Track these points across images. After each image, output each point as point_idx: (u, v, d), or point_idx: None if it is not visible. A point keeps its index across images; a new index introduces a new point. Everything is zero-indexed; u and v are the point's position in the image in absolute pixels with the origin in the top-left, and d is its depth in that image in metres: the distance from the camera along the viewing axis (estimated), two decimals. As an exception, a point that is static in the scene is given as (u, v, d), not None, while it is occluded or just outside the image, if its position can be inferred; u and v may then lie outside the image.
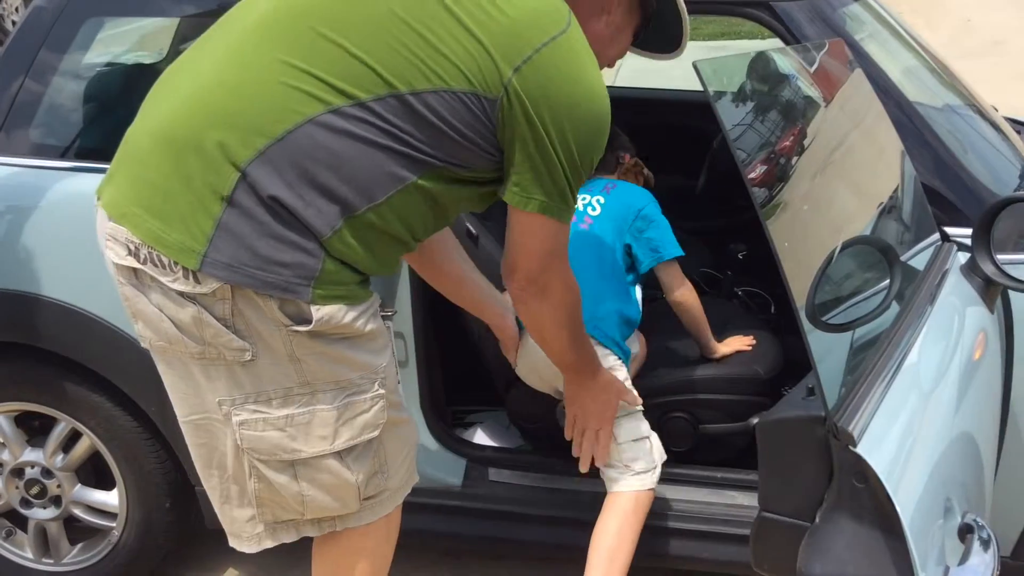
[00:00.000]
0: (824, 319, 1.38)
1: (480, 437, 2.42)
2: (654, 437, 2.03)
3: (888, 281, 1.57)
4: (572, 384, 1.90)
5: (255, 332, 1.41)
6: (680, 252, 2.22)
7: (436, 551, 2.50)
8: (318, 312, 1.40)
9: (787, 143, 1.52)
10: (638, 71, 3.36)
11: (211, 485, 1.59)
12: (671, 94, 3.35)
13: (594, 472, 2.04)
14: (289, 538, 1.61)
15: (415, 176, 1.42)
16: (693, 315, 2.24)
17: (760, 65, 1.57)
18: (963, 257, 1.80)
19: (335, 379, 1.46)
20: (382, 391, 1.52)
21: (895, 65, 2.16)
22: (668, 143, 2.90)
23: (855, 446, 1.10)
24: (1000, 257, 1.69)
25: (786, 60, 1.71)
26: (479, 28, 1.38)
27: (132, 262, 1.43)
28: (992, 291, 1.69)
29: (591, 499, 2.14)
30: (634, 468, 1.98)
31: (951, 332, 1.58)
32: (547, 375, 2.06)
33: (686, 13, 1.63)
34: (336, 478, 1.51)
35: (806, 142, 1.59)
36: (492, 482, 2.23)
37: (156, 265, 1.40)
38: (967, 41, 7.02)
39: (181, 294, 1.40)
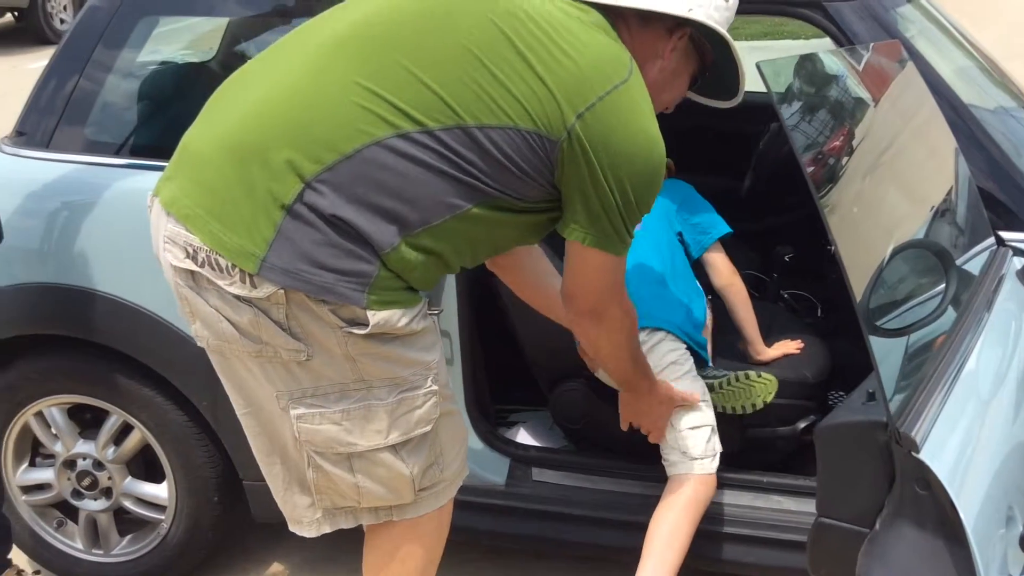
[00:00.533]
0: (878, 323, 1.37)
1: (523, 436, 2.43)
2: (714, 428, 2.04)
3: (943, 286, 1.55)
4: (628, 395, 1.98)
5: (310, 334, 1.45)
6: (728, 229, 2.23)
7: (478, 549, 2.50)
8: (374, 317, 1.44)
9: (839, 143, 1.51)
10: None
11: (273, 473, 1.62)
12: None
13: (640, 473, 2.04)
14: (347, 524, 1.64)
15: (471, 204, 1.47)
16: (741, 302, 2.24)
17: (819, 65, 1.56)
18: (1019, 262, 1.78)
19: (390, 376, 1.49)
20: (435, 387, 1.55)
21: (948, 65, 2.13)
22: (713, 145, 2.88)
23: (918, 452, 1.09)
24: None
25: (840, 60, 1.70)
26: (547, 72, 1.43)
27: (190, 264, 1.46)
28: None
29: (635, 501, 2.14)
30: (692, 454, 2.00)
31: (1008, 339, 1.56)
32: None
33: (743, 65, 1.65)
34: (390, 471, 1.54)
35: (860, 142, 1.57)
36: (536, 482, 2.23)
37: (214, 268, 1.44)
38: (1018, 40, 6.90)
39: (237, 297, 1.44)
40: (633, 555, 2.16)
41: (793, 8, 1.99)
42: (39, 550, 2.43)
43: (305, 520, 1.63)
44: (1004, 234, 1.88)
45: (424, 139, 1.43)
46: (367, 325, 1.44)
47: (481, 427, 2.22)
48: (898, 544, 1.11)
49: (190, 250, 1.45)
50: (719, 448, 2.04)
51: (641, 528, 2.11)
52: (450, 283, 2.13)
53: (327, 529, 1.64)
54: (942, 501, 1.05)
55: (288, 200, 1.41)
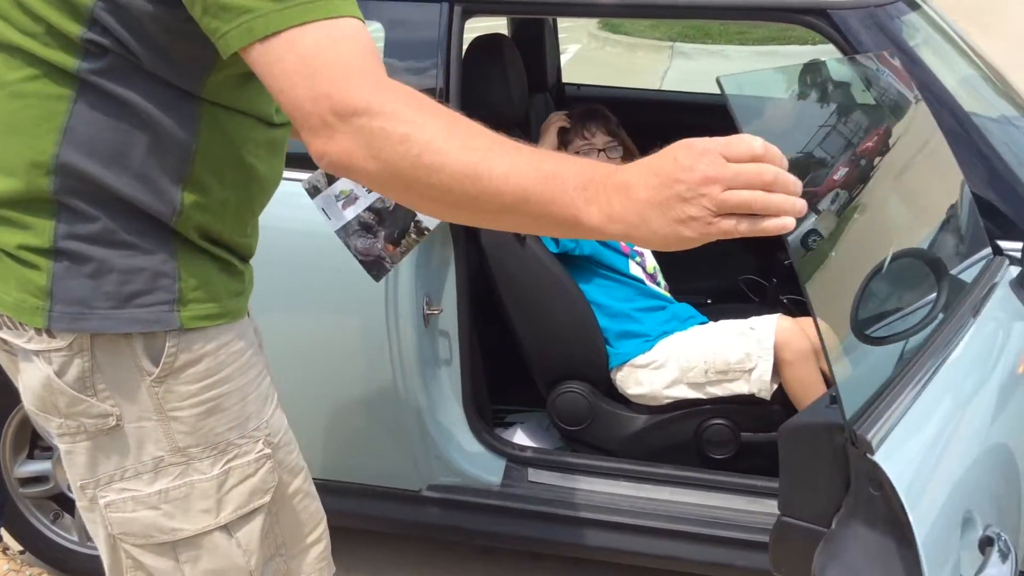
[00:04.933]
0: (868, 332, 1.36)
1: (520, 437, 2.43)
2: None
3: (935, 294, 1.56)
4: (588, 228, 1.01)
5: (117, 390, 1.22)
6: None
7: (472, 549, 2.51)
8: (190, 340, 1.23)
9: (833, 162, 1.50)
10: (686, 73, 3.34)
11: None
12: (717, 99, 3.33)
13: (636, 475, 2.04)
14: None
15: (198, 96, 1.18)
16: None
17: (789, 79, 1.55)
18: (1015, 271, 1.78)
19: (212, 442, 1.26)
20: (267, 451, 1.31)
21: (951, 74, 2.14)
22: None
23: (872, 454, 1.10)
24: None
25: (814, 73, 1.69)
26: None
27: None
28: None
29: (631, 503, 2.15)
30: None
31: (993, 345, 1.56)
32: None
33: None
34: (226, 559, 1.29)
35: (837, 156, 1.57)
36: (531, 482, 2.23)
37: (9, 327, 1.23)
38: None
39: (38, 354, 1.21)
40: (628, 557, 2.17)
41: (798, 15, 1.98)
42: (35, 541, 2.44)
43: None
44: (1003, 243, 1.88)
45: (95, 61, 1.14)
46: (177, 356, 1.22)
47: (478, 427, 2.23)
48: (851, 544, 1.12)
49: None
50: None
51: (637, 531, 2.12)
52: (449, 283, 2.14)
53: None
54: (893, 503, 1.07)
55: (47, 244, 1.18)
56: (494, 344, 2.38)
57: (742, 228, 0.94)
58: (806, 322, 2.22)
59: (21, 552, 2.48)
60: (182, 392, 1.24)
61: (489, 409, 2.39)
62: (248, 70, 1.10)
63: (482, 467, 2.22)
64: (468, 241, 2.17)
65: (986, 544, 1.20)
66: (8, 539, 2.47)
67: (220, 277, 1.26)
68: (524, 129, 2.62)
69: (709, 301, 2.31)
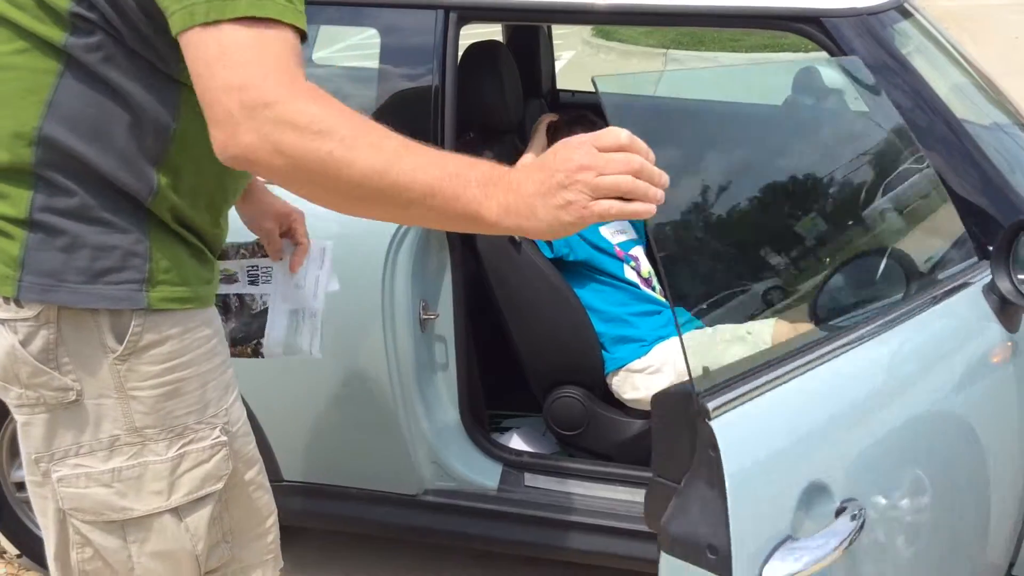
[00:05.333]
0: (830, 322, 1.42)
1: (516, 442, 2.44)
2: None
3: (903, 294, 1.60)
4: (485, 223, 1.08)
5: (80, 364, 1.23)
6: None
7: (469, 553, 2.52)
8: (155, 322, 1.24)
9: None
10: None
11: (48, 556, 1.35)
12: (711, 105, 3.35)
13: (632, 479, 2.05)
14: None
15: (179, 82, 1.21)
16: None
17: (658, 82, 1.64)
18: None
19: (168, 425, 1.27)
20: (223, 438, 1.32)
21: (944, 82, 2.16)
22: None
23: (709, 419, 1.23)
24: (1022, 277, 1.68)
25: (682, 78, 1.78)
26: None
27: None
28: (1009, 310, 1.69)
29: (627, 507, 2.15)
30: None
31: (947, 336, 1.63)
32: None
33: None
34: (174, 542, 1.30)
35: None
36: (528, 487, 2.24)
37: None
38: (1016, 57, 6.95)
39: (3, 323, 1.22)
40: (624, 561, 2.18)
41: (791, 23, 2.00)
42: (32, 545, 2.44)
43: None
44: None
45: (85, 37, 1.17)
46: (142, 336, 1.23)
47: (474, 432, 2.23)
48: (693, 500, 1.24)
49: None
50: None
51: (633, 535, 2.13)
52: (446, 288, 2.14)
53: None
54: (721, 464, 1.20)
55: (23, 215, 1.20)
56: (490, 349, 2.39)
57: (613, 211, 1.04)
58: (804, 327, 2.23)
59: (18, 556, 2.49)
60: (144, 372, 1.25)
61: (485, 414, 2.40)
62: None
63: (478, 471, 2.23)
64: (464, 246, 2.18)
65: (840, 512, 1.30)
66: (5, 543, 2.47)
67: (191, 262, 1.28)
68: (519, 135, 2.64)
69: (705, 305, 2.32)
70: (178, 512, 1.30)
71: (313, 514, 2.31)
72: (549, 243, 2.27)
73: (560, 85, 3.38)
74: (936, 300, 1.64)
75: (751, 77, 2.48)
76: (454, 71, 2.09)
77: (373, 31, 2.17)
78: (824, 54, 2.01)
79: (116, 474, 1.26)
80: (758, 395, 1.31)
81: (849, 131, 1.95)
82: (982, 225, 1.89)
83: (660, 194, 1.05)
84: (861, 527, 1.28)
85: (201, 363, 1.30)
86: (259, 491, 1.41)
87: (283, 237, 1.62)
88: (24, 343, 1.22)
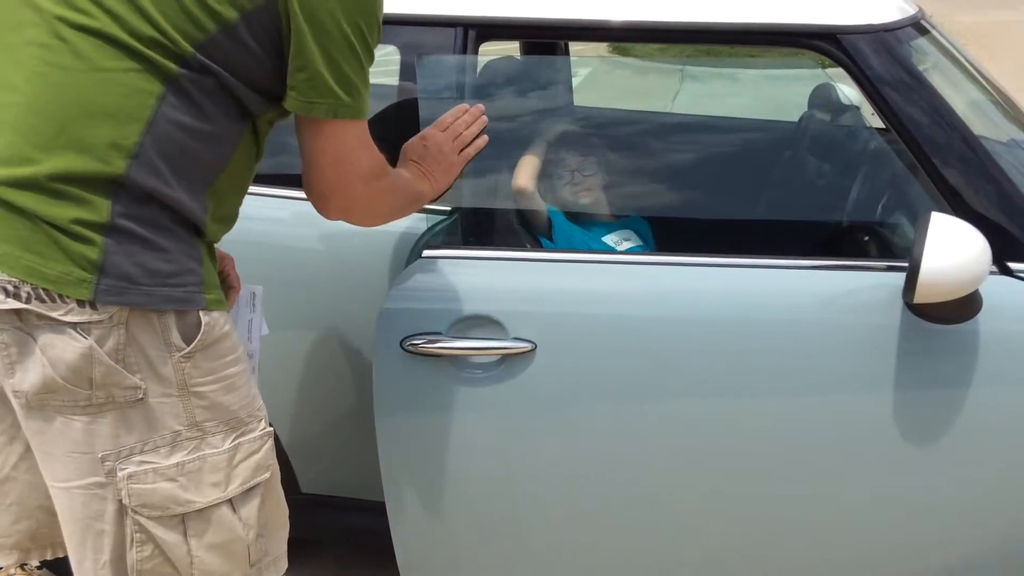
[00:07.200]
0: None
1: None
2: None
3: None
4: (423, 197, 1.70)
5: (146, 364, 1.32)
6: None
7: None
8: (206, 318, 1.36)
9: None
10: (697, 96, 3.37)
11: (84, 569, 1.41)
12: (728, 120, 3.36)
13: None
14: None
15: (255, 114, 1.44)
16: None
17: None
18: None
19: (224, 418, 1.39)
20: (270, 428, 1.46)
21: (961, 98, 2.16)
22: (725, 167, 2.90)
23: None
24: None
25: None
26: None
27: (13, 303, 1.27)
28: None
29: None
30: None
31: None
32: None
33: None
34: (229, 533, 1.40)
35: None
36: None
37: (44, 300, 1.27)
38: (1033, 74, 6.92)
39: (75, 326, 1.28)
40: None
41: (807, 40, 2.01)
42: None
43: None
44: (1013, 265, 1.89)
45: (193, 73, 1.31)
46: (198, 334, 1.34)
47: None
48: None
49: (10, 288, 1.27)
50: None
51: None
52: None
53: None
54: None
55: (104, 219, 1.28)
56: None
57: (470, 152, 1.74)
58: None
59: (39, 567, 2.49)
60: (206, 368, 1.36)
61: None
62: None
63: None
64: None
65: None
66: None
67: (213, 268, 1.43)
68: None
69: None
70: (233, 503, 1.40)
71: (330, 527, 2.32)
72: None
73: (577, 101, 3.40)
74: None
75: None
76: (472, 88, 2.11)
77: (392, 48, 2.19)
78: (842, 71, 2.01)
79: (180, 468, 1.36)
80: None
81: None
82: (1000, 242, 1.89)
83: (481, 141, 1.74)
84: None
85: (244, 360, 1.43)
86: (280, 484, 1.51)
87: None
88: (99, 344, 1.29)
